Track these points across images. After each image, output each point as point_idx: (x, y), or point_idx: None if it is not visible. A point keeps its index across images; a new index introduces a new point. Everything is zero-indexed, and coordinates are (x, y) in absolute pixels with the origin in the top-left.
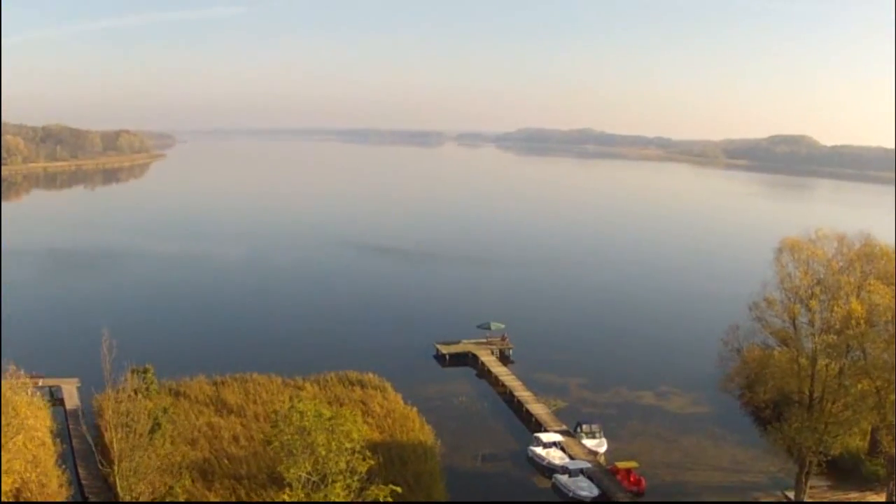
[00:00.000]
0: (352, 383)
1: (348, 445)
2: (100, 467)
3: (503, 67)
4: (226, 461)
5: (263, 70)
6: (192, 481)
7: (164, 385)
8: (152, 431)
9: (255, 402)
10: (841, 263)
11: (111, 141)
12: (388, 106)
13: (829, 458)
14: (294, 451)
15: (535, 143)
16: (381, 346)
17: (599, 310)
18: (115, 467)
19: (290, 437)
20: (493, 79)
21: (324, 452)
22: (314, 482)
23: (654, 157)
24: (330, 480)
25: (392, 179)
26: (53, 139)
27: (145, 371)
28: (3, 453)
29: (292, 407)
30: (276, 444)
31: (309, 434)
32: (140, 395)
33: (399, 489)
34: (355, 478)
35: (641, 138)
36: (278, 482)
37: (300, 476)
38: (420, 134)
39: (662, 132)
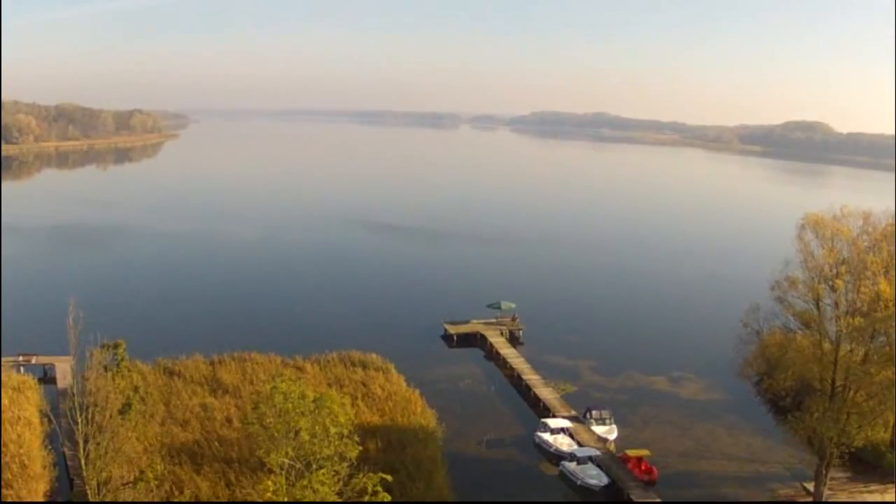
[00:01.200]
0: (353, 364)
1: (334, 430)
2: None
3: (518, 51)
4: (216, 444)
5: (279, 51)
6: (181, 465)
7: (158, 364)
8: (123, 412)
9: (251, 382)
10: (867, 242)
11: (124, 121)
12: (404, 88)
13: (852, 450)
14: (276, 435)
15: (550, 126)
16: (388, 325)
17: (613, 292)
18: (80, 450)
19: (271, 419)
20: (507, 62)
21: (307, 437)
22: (298, 469)
23: (668, 141)
24: (315, 467)
25: (406, 161)
26: (66, 118)
27: (116, 346)
28: None
29: (274, 388)
30: (255, 427)
31: (291, 417)
32: (110, 373)
33: (389, 477)
34: (345, 464)
35: (656, 123)
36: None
37: (282, 462)
38: (435, 116)
39: (677, 117)
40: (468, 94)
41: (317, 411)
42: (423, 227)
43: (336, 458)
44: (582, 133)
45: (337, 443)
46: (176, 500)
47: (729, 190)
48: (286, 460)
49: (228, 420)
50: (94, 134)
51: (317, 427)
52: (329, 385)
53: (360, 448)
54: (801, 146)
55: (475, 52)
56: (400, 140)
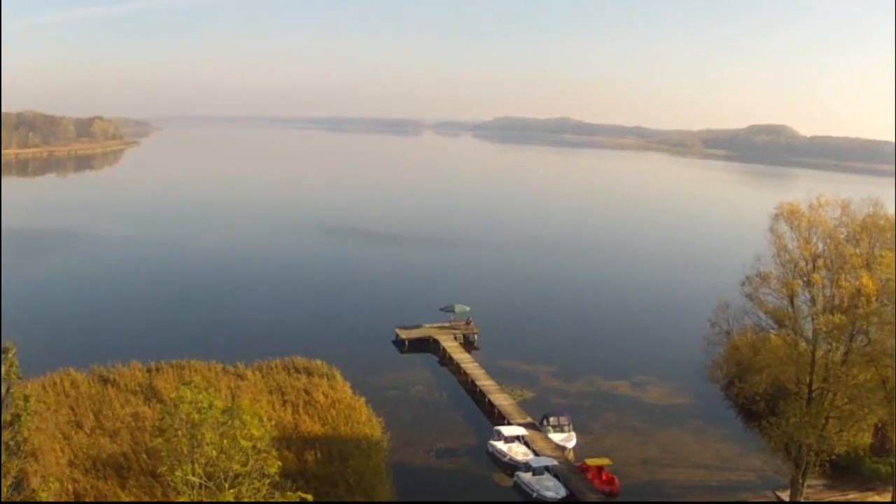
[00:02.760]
0: (297, 371)
1: (245, 444)
2: None
3: (480, 57)
4: (145, 456)
5: (242, 58)
6: (106, 479)
7: (94, 371)
8: (12, 424)
9: (209, 389)
10: (845, 234)
11: (85, 128)
12: (367, 95)
13: (832, 457)
14: (179, 449)
15: (513, 131)
16: (337, 331)
17: (572, 295)
18: None
19: (175, 432)
20: (470, 68)
21: (214, 453)
22: (208, 488)
23: (632, 146)
24: (227, 486)
25: (367, 167)
26: (26, 126)
27: (5, 351)
28: None
29: (179, 396)
30: (157, 440)
31: (198, 430)
32: None
33: (309, 497)
34: (266, 481)
35: (619, 128)
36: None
37: (188, 480)
38: (398, 123)
39: (641, 122)
40: (432, 101)
41: (229, 423)
42: (377, 231)
43: (256, 475)
44: (545, 138)
45: (254, 457)
46: None
47: (692, 193)
48: (194, 478)
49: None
50: (55, 141)
51: (225, 440)
52: (270, 393)
53: (280, 464)
54: (765, 150)
55: (439, 58)
56: (361, 146)
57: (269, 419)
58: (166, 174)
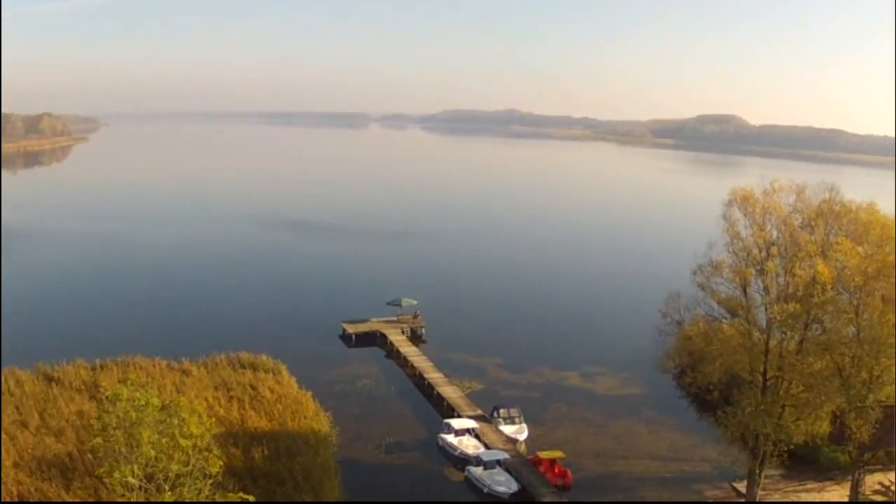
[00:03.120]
0: (243, 366)
1: (185, 443)
2: None
3: (427, 49)
4: (89, 455)
5: (190, 53)
6: (50, 480)
7: (38, 369)
8: None
9: (146, 386)
10: (799, 221)
11: (33, 124)
12: (314, 89)
13: (790, 446)
14: (117, 450)
15: (461, 123)
16: (284, 325)
17: (521, 287)
18: None
19: (112, 431)
20: (417, 60)
21: (153, 453)
22: (147, 489)
23: (580, 136)
24: (167, 487)
25: (312, 160)
26: None
27: None
28: None
29: (115, 394)
30: (97, 440)
31: (136, 428)
32: None
33: (251, 497)
34: (208, 481)
35: (568, 119)
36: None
37: (126, 482)
38: (345, 116)
39: (589, 113)
40: (378, 94)
41: (167, 421)
42: (323, 225)
43: (198, 475)
44: (493, 130)
45: (195, 457)
46: None
47: (641, 182)
48: (133, 479)
49: (117, 427)
50: (4, 138)
51: (163, 440)
52: (216, 388)
53: (222, 463)
54: (714, 139)
55: (384, 50)
56: (307, 140)
57: (211, 416)
58: (113, 170)
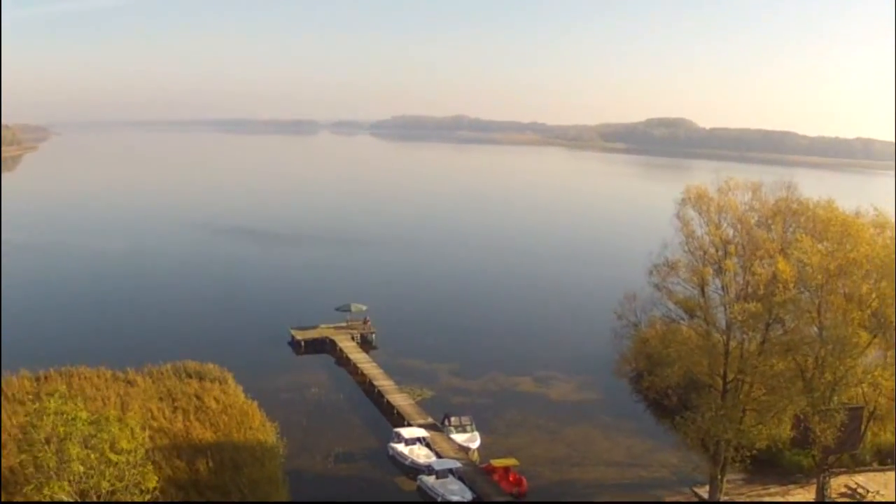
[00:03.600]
0: (189, 375)
1: (115, 458)
2: None
3: (377, 55)
4: (32, 470)
5: (140, 63)
6: None
7: None
8: None
9: (76, 399)
10: (756, 219)
11: None
12: (263, 96)
13: (753, 452)
14: (46, 465)
15: (410, 130)
16: (230, 333)
17: (472, 293)
18: None
19: (40, 447)
20: (367, 67)
21: (82, 469)
22: None
23: (529, 141)
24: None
25: (259, 168)
26: None
27: None
28: None
29: (42, 408)
30: (22, 457)
31: (65, 444)
32: None
33: None
34: (146, 496)
35: (516, 124)
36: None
37: (56, 498)
38: (295, 123)
39: (538, 118)
40: (328, 101)
41: (97, 435)
42: (270, 232)
43: (135, 491)
44: (442, 135)
45: (130, 472)
46: None
47: (592, 186)
48: (63, 496)
49: (47, 442)
50: None
51: (92, 456)
52: (160, 399)
53: (156, 478)
54: (664, 142)
55: (334, 58)
56: (256, 148)
57: (145, 429)
58: (61, 180)
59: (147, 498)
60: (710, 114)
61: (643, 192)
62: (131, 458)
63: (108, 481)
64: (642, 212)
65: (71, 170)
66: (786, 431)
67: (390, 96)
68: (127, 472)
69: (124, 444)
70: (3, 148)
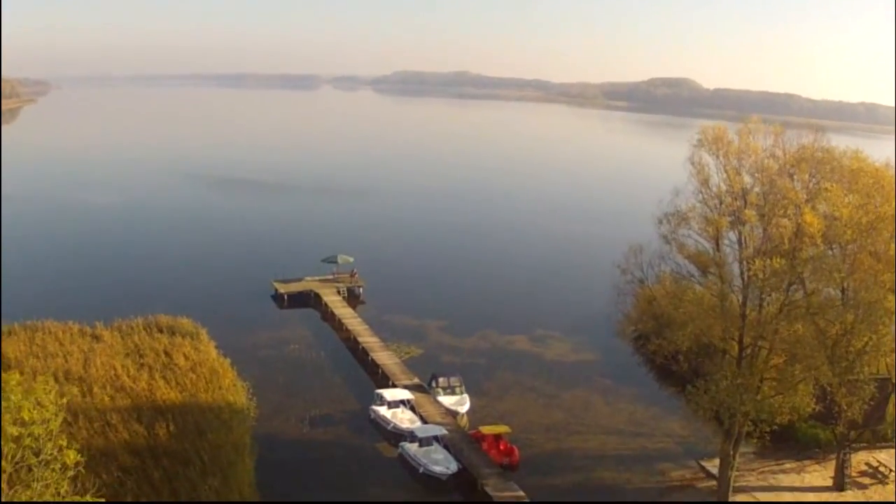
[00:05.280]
0: (160, 330)
1: (16, 432)
2: None
3: (379, 10)
4: None
5: (142, 17)
6: None
7: None
8: None
9: (37, 356)
10: (777, 167)
11: None
12: (264, 52)
13: (773, 427)
14: None
15: (412, 85)
16: (210, 286)
17: (467, 246)
18: None
19: None
20: (369, 22)
21: None
22: None
23: (531, 98)
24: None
25: (257, 122)
26: None
27: None
28: None
29: None
30: None
31: None
32: None
33: (101, 500)
34: (68, 473)
35: (519, 81)
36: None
37: None
38: (296, 78)
39: (541, 75)
40: (329, 56)
41: None
42: (257, 182)
43: (56, 466)
44: (444, 91)
45: (48, 446)
46: None
47: (594, 143)
48: None
49: None
50: None
51: None
52: (127, 355)
53: (74, 453)
54: (666, 102)
55: (335, 12)
56: (257, 103)
57: (62, 396)
58: (55, 133)
59: (69, 475)
60: (713, 74)
61: (647, 150)
62: (35, 431)
63: (9, 460)
64: (646, 170)
65: (67, 122)
66: (809, 404)
67: (392, 52)
68: (45, 447)
69: (25, 415)
70: (2, 101)
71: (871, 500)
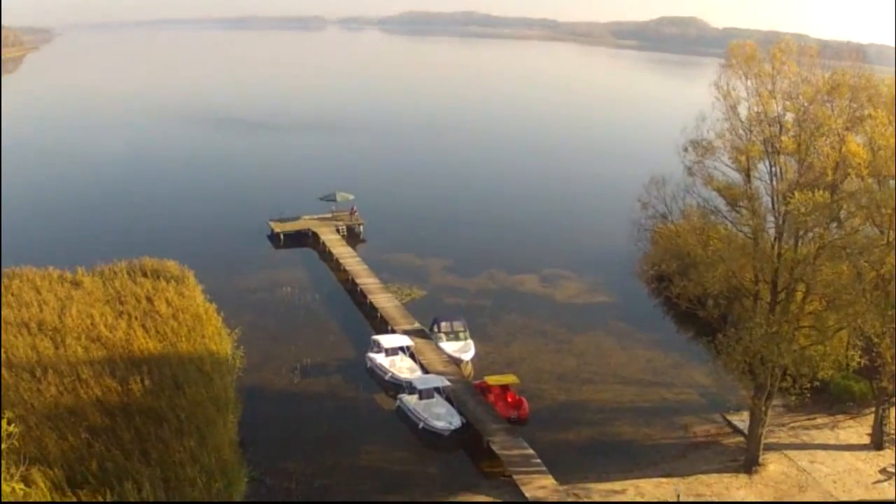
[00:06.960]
0: (144, 274)
1: None
2: None
3: None
4: None
5: None
6: None
7: None
8: None
9: (10, 305)
10: (812, 92)
11: None
12: None
13: (815, 382)
14: None
15: (419, 25)
16: (203, 227)
17: (473, 183)
18: None
19: None
20: None
21: None
22: None
23: (539, 36)
24: None
25: (260, 63)
26: None
27: None
28: None
29: None
30: None
31: None
32: None
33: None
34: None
35: (526, 20)
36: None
37: None
38: (301, 20)
39: (548, 14)
40: None
41: None
42: (260, 122)
43: None
44: (451, 31)
45: None
46: None
47: (605, 82)
48: None
49: None
50: None
51: None
52: (106, 302)
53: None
54: (675, 41)
55: None
56: (260, 43)
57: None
58: (56, 78)
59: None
60: (722, 13)
61: (658, 89)
62: None
63: None
64: (656, 110)
65: (69, 69)
66: (854, 357)
67: None
68: None
69: None
70: (3, 49)
71: None
